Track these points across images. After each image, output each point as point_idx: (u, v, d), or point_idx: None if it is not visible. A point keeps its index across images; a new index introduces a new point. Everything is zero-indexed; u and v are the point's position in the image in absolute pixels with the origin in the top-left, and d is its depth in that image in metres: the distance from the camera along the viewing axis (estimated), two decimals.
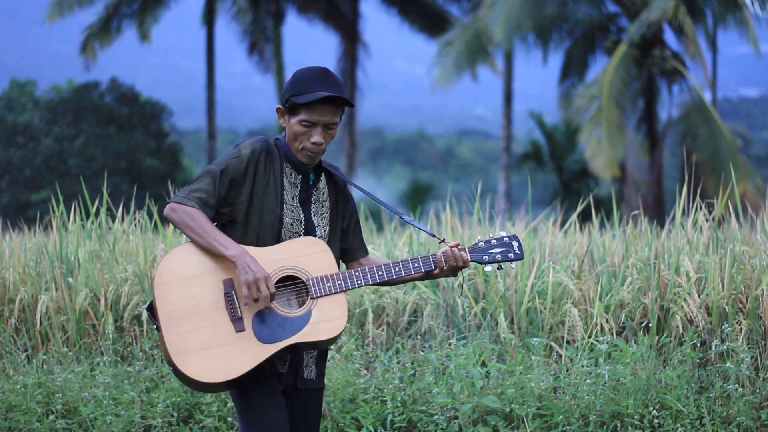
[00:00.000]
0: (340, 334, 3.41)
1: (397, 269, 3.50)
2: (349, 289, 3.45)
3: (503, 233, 3.63)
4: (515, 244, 3.61)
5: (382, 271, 3.49)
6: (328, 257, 3.46)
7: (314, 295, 3.40)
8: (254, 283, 3.31)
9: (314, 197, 3.56)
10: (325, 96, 3.39)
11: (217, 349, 3.32)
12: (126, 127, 28.29)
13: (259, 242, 3.44)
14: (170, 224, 6.36)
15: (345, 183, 3.66)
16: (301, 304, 3.42)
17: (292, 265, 3.42)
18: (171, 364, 3.32)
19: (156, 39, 26.73)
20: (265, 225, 3.46)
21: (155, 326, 3.35)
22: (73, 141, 27.66)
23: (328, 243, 3.55)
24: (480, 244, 3.60)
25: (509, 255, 3.59)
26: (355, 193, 3.78)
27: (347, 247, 3.66)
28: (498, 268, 3.60)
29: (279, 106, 3.52)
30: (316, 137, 3.45)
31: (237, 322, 3.35)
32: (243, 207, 3.45)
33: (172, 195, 6.88)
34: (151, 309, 3.38)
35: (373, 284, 3.53)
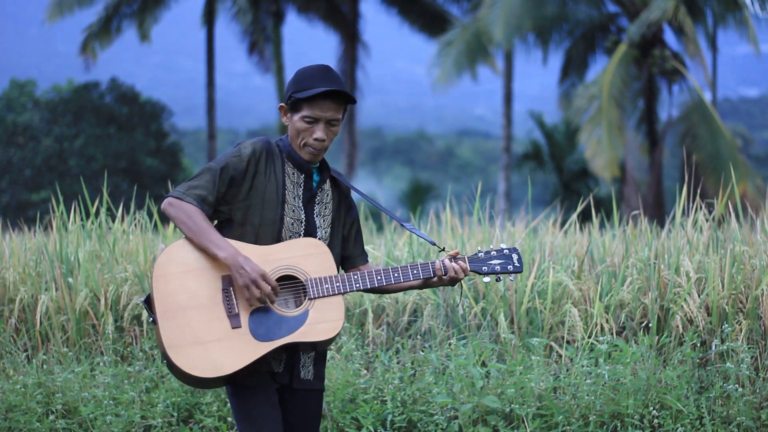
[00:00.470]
0: (336, 336, 3.41)
1: (396, 274, 3.51)
2: (347, 292, 3.45)
3: (503, 245, 3.65)
4: (515, 256, 3.63)
5: (381, 276, 3.50)
6: (327, 259, 3.46)
7: (312, 296, 3.40)
8: (252, 284, 3.32)
9: (318, 198, 3.56)
10: (326, 90, 3.41)
11: (211, 344, 3.32)
12: (126, 127, 28.28)
13: (258, 241, 3.44)
14: (170, 223, 6.37)
15: (349, 190, 3.67)
16: (299, 304, 3.42)
17: (292, 265, 3.42)
18: (165, 356, 3.32)
19: (156, 39, 26.73)
20: (265, 224, 3.46)
21: (152, 319, 3.35)
22: (73, 141, 27.66)
23: (328, 245, 3.55)
24: (480, 254, 3.61)
25: (508, 267, 3.61)
26: (356, 195, 3.79)
27: (348, 254, 3.67)
28: (497, 280, 3.63)
29: (282, 104, 3.53)
30: (319, 133, 3.46)
31: (233, 318, 3.35)
32: (242, 206, 3.45)
33: None
34: (149, 301, 3.38)
35: (371, 289, 3.53)
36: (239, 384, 3.41)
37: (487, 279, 3.60)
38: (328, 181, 3.61)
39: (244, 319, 3.35)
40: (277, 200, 3.48)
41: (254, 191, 3.46)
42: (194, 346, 3.31)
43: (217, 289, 3.37)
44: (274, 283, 3.33)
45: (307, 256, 3.44)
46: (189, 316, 3.33)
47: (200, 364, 3.30)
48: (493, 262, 3.61)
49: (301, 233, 3.50)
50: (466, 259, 3.58)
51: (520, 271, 3.62)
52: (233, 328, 3.34)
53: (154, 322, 3.34)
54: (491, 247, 3.62)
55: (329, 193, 3.60)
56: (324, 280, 3.42)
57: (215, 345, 3.32)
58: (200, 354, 3.30)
